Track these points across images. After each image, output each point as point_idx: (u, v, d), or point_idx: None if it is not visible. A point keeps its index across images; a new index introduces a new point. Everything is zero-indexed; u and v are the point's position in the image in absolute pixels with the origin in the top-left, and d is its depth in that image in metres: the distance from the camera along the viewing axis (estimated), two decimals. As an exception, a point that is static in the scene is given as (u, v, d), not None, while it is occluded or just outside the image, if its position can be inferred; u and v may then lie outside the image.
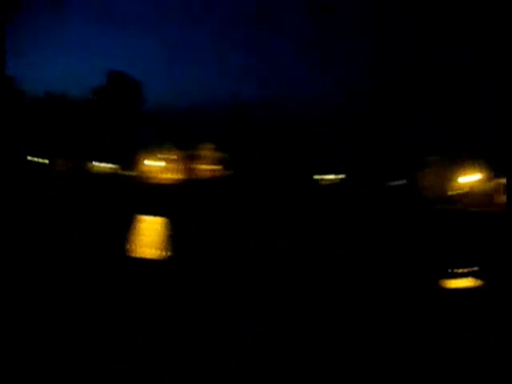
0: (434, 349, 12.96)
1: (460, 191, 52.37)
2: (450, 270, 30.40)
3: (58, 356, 11.61)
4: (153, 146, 67.99)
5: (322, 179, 63.85)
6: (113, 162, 69.54)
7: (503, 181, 49.68)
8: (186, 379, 11.06)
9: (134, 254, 30.48)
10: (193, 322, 14.05)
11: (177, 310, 15.12)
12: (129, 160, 68.06)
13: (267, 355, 12.15)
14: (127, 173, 68.28)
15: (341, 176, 62.94)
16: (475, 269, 30.52)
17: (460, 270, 30.50)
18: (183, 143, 67.38)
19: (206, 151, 66.95)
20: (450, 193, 52.66)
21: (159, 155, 68.34)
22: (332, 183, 63.07)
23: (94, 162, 69.06)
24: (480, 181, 52.02)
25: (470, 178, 52.30)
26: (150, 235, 38.92)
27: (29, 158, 62.89)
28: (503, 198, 49.19)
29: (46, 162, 65.12)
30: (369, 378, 11.36)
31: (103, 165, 70.18)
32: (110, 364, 11.36)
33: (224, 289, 17.45)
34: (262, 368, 11.60)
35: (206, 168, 66.44)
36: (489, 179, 51.39)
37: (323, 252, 27.24)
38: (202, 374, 11.27)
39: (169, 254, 31.27)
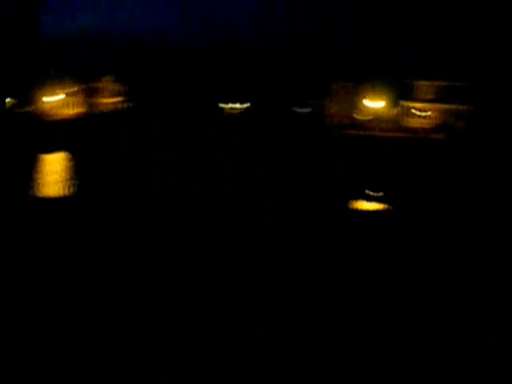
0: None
1: (366, 117, 51.70)
2: (358, 194, 31.14)
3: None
4: (51, 79, 64.86)
5: (228, 108, 62.84)
6: (9, 97, 66.00)
7: (408, 104, 49.46)
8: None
9: (37, 193, 30.39)
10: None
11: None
12: (26, 94, 64.59)
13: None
14: (24, 108, 65.19)
15: (246, 105, 61.84)
16: (381, 193, 31.70)
17: (367, 194, 31.44)
18: (82, 75, 64.54)
19: (106, 83, 64.83)
20: (355, 118, 51.97)
21: (58, 89, 65.36)
22: (238, 111, 62.26)
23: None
24: (385, 105, 51.46)
25: (374, 103, 51.62)
26: (51, 173, 38.45)
27: None
28: (408, 122, 49.22)
29: None
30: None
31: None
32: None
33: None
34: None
35: (106, 101, 64.42)
36: (393, 104, 50.96)
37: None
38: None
39: (72, 190, 31.39)
